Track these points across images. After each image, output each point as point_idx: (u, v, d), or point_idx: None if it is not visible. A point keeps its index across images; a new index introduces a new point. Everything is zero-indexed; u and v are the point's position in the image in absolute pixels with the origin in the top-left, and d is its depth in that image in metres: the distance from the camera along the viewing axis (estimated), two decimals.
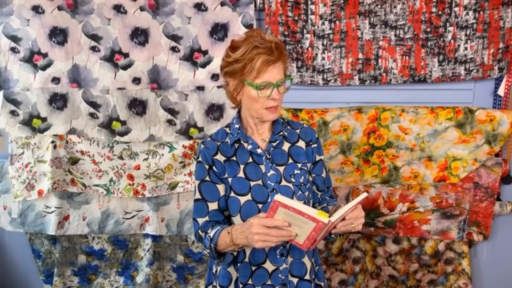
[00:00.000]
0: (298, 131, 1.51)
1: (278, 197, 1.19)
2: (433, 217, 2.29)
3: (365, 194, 1.28)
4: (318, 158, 1.53)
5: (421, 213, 2.29)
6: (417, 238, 2.34)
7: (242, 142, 1.44)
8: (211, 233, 1.37)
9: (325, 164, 1.57)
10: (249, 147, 1.43)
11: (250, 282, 1.42)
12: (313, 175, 1.52)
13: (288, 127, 1.51)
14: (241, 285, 1.43)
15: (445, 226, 2.29)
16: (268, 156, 1.43)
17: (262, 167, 1.42)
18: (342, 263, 2.41)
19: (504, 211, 2.29)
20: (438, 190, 2.27)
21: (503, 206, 2.28)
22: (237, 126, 1.45)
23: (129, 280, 2.47)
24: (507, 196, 2.32)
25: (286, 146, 1.47)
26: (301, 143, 1.49)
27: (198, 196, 1.44)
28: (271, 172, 1.42)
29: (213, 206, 1.43)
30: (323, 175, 1.54)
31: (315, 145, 1.52)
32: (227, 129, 1.48)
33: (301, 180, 1.44)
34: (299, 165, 1.46)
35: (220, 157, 1.43)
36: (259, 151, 1.43)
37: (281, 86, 1.37)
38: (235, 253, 1.40)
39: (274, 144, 1.45)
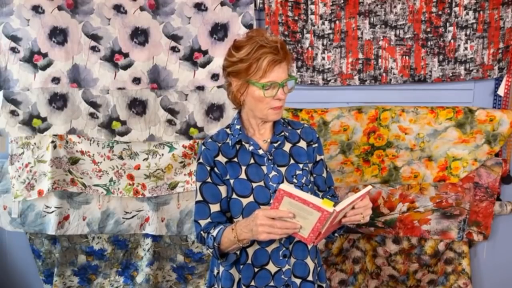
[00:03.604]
0: (299, 131, 1.51)
1: (283, 186, 1.17)
2: (433, 217, 2.29)
3: (370, 187, 1.27)
4: (318, 158, 1.52)
5: (421, 213, 2.29)
6: (417, 238, 2.34)
7: (243, 143, 1.43)
8: (214, 232, 1.36)
9: (326, 164, 1.57)
10: (251, 148, 1.42)
11: (252, 283, 1.41)
12: (314, 175, 1.52)
13: (289, 127, 1.50)
14: (243, 287, 1.42)
15: (445, 226, 2.29)
16: (269, 157, 1.42)
17: (264, 168, 1.41)
18: (342, 263, 2.41)
19: (504, 211, 2.29)
20: (438, 190, 2.27)
21: (503, 206, 2.28)
22: (238, 127, 1.44)
23: (129, 280, 2.47)
24: (507, 196, 2.32)
25: (287, 146, 1.47)
26: (302, 143, 1.49)
27: (199, 198, 1.43)
28: (273, 173, 1.41)
29: (214, 208, 1.42)
30: (324, 175, 1.54)
31: (316, 145, 1.51)
32: (228, 130, 1.47)
33: (303, 181, 1.43)
34: (301, 165, 1.45)
35: (221, 158, 1.42)
36: (260, 152, 1.42)
37: (285, 86, 1.37)
38: (238, 253, 1.39)
39: (275, 144, 1.44)
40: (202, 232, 1.42)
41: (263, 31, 1.40)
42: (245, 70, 1.34)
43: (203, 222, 1.42)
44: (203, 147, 1.44)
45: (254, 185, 1.39)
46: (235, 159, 1.42)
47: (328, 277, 2.41)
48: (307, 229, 1.22)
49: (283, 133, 1.46)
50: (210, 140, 1.46)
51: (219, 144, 1.44)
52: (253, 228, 1.24)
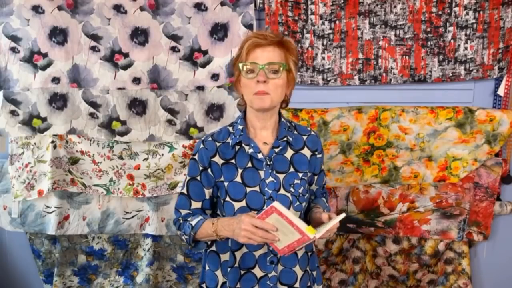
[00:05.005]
0: (304, 137, 1.48)
1: (277, 205, 1.21)
2: (433, 217, 2.29)
3: (343, 215, 1.29)
4: (322, 167, 1.53)
5: (421, 213, 2.29)
6: (417, 238, 2.34)
7: (243, 145, 1.41)
8: (193, 221, 1.39)
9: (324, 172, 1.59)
10: (250, 150, 1.40)
11: (238, 286, 1.41)
12: (316, 187, 1.53)
13: (295, 131, 1.48)
14: None
15: (445, 226, 2.29)
16: (268, 163, 1.40)
17: (261, 172, 1.39)
18: (342, 263, 2.41)
19: (504, 211, 2.29)
20: (438, 190, 2.27)
21: (503, 206, 2.28)
22: (240, 127, 1.43)
23: (129, 280, 2.47)
24: (507, 196, 2.32)
25: (289, 153, 1.44)
26: (306, 151, 1.47)
27: (184, 190, 1.46)
28: (270, 179, 1.39)
29: (196, 204, 1.44)
30: (323, 183, 1.57)
31: (320, 155, 1.51)
32: (231, 128, 1.46)
33: (300, 191, 1.41)
34: (300, 174, 1.43)
35: (218, 159, 1.41)
36: (259, 156, 1.40)
37: (271, 73, 1.34)
38: (209, 242, 1.44)
39: (276, 150, 1.42)
40: (180, 219, 1.45)
41: (272, 30, 1.45)
42: (236, 58, 1.39)
43: (183, 212, 1.46)
44: (201, 145, 1.44)
45: (248, 189, 1.38)
46: (233, 161, 1.41)
47: (328, 277, 2.41)
48: (284, 243, 1.27)
49: (286, 138, 1.44)
50: (210, 139, 1.44)
51: (218, 144, 1.43)
52: (236, 230, 1.28)
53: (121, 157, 2.30)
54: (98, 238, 2.42)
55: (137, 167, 2.30)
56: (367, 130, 2.24)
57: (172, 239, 2.42)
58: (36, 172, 2.30)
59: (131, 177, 2.32)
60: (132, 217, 2.38)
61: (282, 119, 1.46)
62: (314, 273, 1.51)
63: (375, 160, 2.28)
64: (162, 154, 2.29)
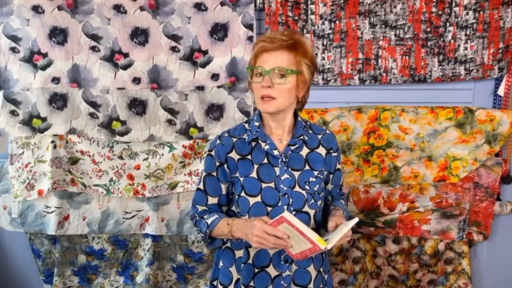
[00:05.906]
0: (319, 136, 1.49)
1: (286, 215, 1.22)
2: (433, 217, 2.29)
3: (356, 219, 1.30)
4: (338, 166, 1.53)
5: (421, 213, 2.29)
6: (417, 238, 2.34)
7: (259, 141, 1.42)
8: (209, 220, 1.41)
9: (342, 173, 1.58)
10: (266, 147, 1.41)
11: (252, 284, 1.42)
12: (332, 186, 1.53)
13: (310, 131, 1.49)
14: (242, 287, 1.43)
15: (445, 226, 2.29)
16: (284, 159, 1.41)
17: (277, 169, 1.41)
18: (342, 263, 2.41)
19: (504, 211, 2.29)
20: (438, 190, 2.27)
21: (503, 206, 2.28)
22: (256, 124, 1.44)
23: (129, 280, 2.47)
24: (507, 196, 2.32)
25: (304, 151, 1.45)
26: (321, 150, 1.47)
27: (201, 186, 1.47)
28: (285, 176, 1.40)
29: (212, 200, 1.46)
30: (340, 183, 1.56)
31: (336, 153, 1.51)
32: (247, 125, 1.47)
33: (315, 189, 1.42)
34: (316, 172, 1.44)
35: (234, 155, 1.42)
36: (275, 152, 1.41)
37: (278, 77, 1.34)
38: (224, 239, 1.45)
39: (292, 147, 1.43)
40: (197, 215, 1.47)
41: (287, 30, 1.47)
42: (250, 60, 1.41)
43: (200, 208, 1.47)
44: (217, 141, 1.44)
45: (263, 185, 1.39)
46: (249, 157, 1.42)
47: None
48: (297, 250, 1.28)
49: (302, 137, 1.45)
50: (226, 135, 1.45)
51: (235, 140, 1.44)
52: (248, 235, 1.30)
53: (121, 157, 2.30)
54: (98, 238, 2.42)
55: (137, 167, 2.30)
56: (367, 130, 2.24)
57: (172, 239, 2.42)
58: (36, 172, 2.30)
59: (131, 177, 2.32)
60: (132, 217, 2.38)
61: (299, 118, 1.47)
62: (326, 276, 1.52)
63: (375, 160, 2.28)
64: (162, 154, 2.29)
